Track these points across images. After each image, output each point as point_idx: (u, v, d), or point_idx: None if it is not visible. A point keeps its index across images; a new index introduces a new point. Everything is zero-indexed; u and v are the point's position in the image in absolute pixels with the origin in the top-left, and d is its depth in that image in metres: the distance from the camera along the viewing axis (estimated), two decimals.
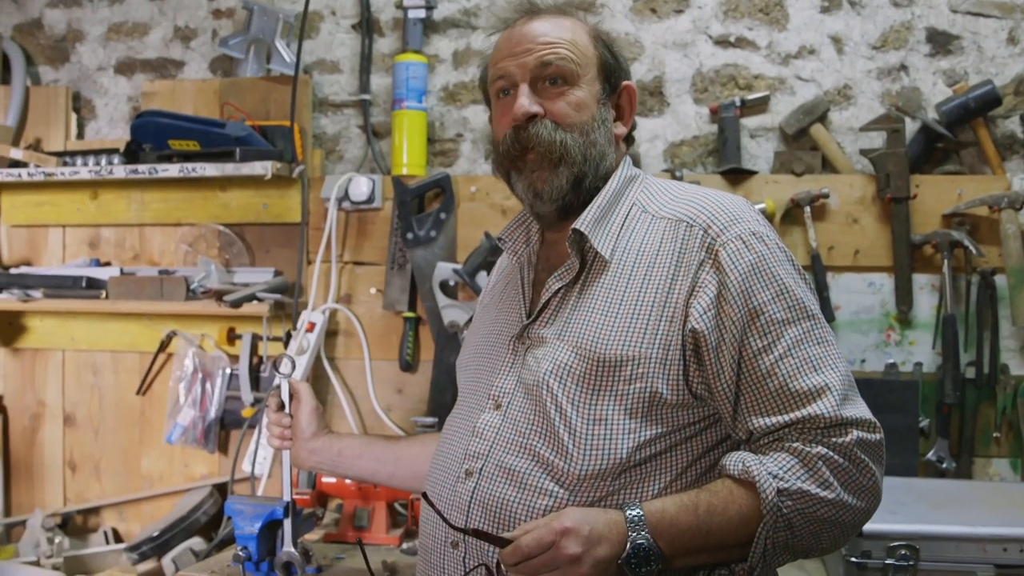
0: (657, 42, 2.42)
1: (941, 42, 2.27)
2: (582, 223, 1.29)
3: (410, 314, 2.43)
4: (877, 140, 2.27)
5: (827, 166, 2.30)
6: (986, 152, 2.21)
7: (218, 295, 2.36)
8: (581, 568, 1.13)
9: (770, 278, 1.21)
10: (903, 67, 2.29)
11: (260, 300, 2.37)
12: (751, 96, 2.34)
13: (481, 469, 1.29)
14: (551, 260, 1.37)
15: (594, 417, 1.23)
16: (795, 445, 1.17)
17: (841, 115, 2.32)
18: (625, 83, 1.38)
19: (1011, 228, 2.12)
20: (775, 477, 1.15)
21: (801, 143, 2.33)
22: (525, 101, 1.30)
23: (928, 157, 2.25)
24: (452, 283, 2.38)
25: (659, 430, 1.23)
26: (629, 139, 1.42)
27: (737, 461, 1.18)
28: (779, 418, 1.18)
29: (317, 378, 2.47)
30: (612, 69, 1.36)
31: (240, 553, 1.74)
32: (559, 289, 1.31)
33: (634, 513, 1.17)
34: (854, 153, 2.30)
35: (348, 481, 2.13)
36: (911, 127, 2.25)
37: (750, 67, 2.37)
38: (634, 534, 1.16)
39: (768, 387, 1.19)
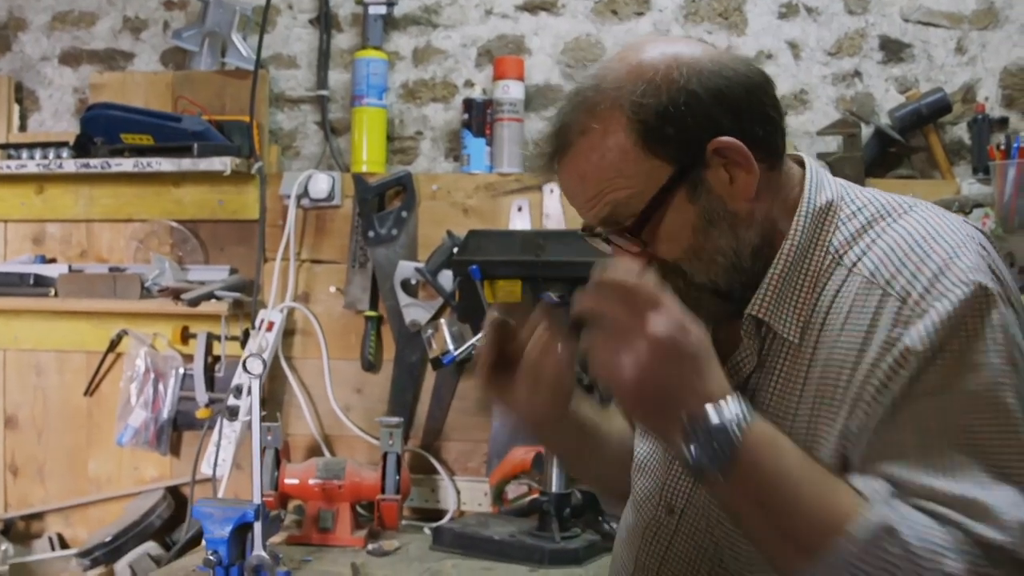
0: (618, 43, 2.44)
1: (893, 50, 2.34)
2: (758, 306, 1.03)
3: (372, 313, 2.41)
4: (832, 144, 2.33)
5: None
6: (936, 157, 2.29)
7: (175, 293, 2.31)
8: (636, 373, 0.89)
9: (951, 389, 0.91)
10: (857, 73, 2.36)
11: (219, 298, 2.32)
12: None
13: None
14: (718, 335, 1.02)
15: None
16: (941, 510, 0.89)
17: (798, 119, 2.37)
18: (714, 144, 1.00)
19: None
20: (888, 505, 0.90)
21: None
22: (621, 264, 0.99)
23: (881, 162, 2.32)
24: (414, 282, 2.36)
25: None
26: (772, 164, 1.04)
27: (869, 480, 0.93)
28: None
29: (274, 378, 2.43)
30: (680, 147, 1.00)
31: (211, 557, 1.71)
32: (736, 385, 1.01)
33: (743, 405, 0.90)
34: (810, 156, 2.35)
35: (311, 482, 2.11)
36: (865, 132, 2.31)
37: None
38: (727, 409, 0.90)
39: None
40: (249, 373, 1.79)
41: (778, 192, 1.05)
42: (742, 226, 1.02)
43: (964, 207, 2.21)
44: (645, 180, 1.01)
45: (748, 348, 1.05)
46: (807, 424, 1.00)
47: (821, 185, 1.06)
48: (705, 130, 1.00)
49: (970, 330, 0.93)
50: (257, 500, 1.76)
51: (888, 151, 2.31)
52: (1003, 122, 2.27)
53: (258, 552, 1.75)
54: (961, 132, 2.31)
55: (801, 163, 1.11)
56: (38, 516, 2.59)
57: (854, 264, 1.01)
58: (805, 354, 1.01)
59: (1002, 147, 2.19)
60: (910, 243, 0.99)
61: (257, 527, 1.75)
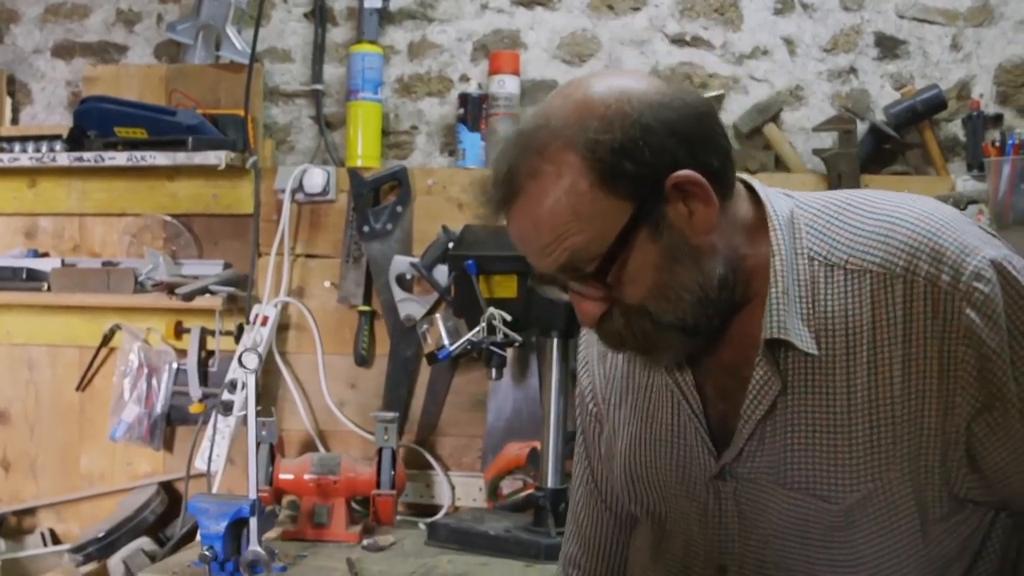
0: (614, 39, 2.44)
1: (889, 46, 2.35)
2: (774, 328, 0.97)
3: (365, 308, 2.41)
4: (827, 140, 2.33)
5: (779, 165, 2.35)
6: (931, 154, 2.29)
7: (169, 288, 2.30)
8: None
9: None
10: (852, 69, 2.36)
11: (213, 293, 2.31)
12: (706, 94, 2.37)
13: None
14: (723, 358, 1.05)
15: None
16: None
17: (793, 115, 2.38)
18: (673, 179, 0.95)
19: None
20: None
21: (755, 141, 2.38)
22: (584, 308, 1.01)
23: (876, 158, 2.32)
24: (409, 277, 2.36)
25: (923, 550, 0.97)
26: (726, 193, 1.00)
27: None
28: None
29: (268, 373, 2.42)
30: (638, 184, 0.95)
31: (206, 553, 1.71)
32: (762, 417, 1.00)
33: None
34: (805, 152, 2.35)
35: (306, 477, 2.11)
36: (860, 128, 2.32)
37: (705, 66, 2.41)
38: None
39: None
40: (245, 368, 1.79)
41: (735, 217, 1.01)
42: (705, 258, 0.98)
43: (959, 203, 2.21)
44: (604, 221, 0.95)
45: (766, 373, 0.99)
46: (869, 437, 0.95)
47: (774, 199, 1.04)
48: (663, 164, 0.95)
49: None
50: (253, 495, 1.76)
51: (883, 147, 2.31)
52: (998, 119, 2.28)
53: (254, 547, 1.75)
54: (956, 129, 2.32)
55: (741, 182, 1.07)
56: (30, 511, 2.57)
57: (847, 261, 0.97)
58: (834, 365, 0.97)
59: (997, 144, 2.20)
60: (905, 227, 0.96)
61: (253, 522, 1.74)
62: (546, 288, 1.05)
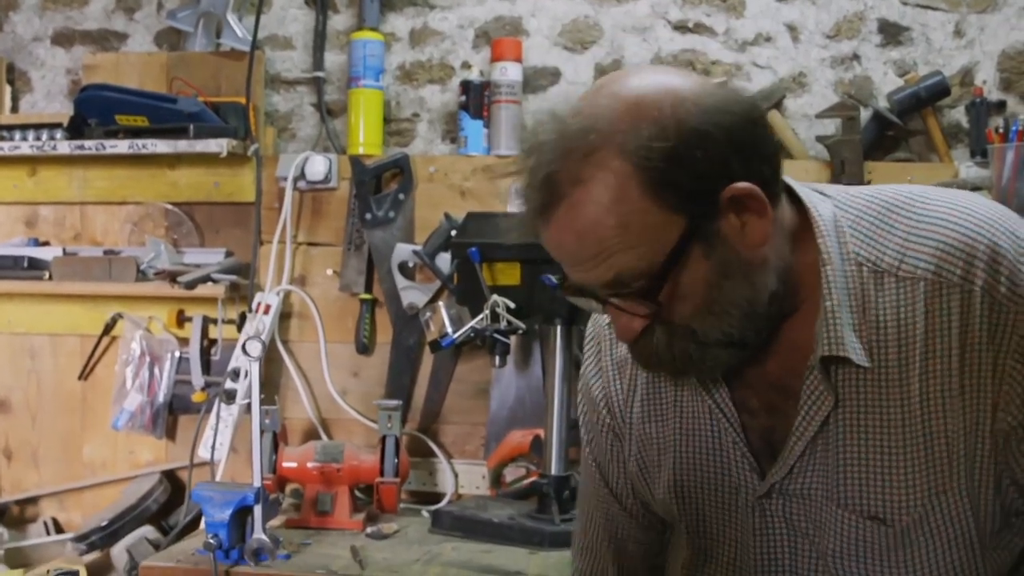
0: (616, 26, 2.43)
1: (892, 33, 2.34)
2: (830, 345, 0.93)
3: (367, 296, 2.40)
4: (830, 127, 2.32)
5: (782, 152, 2.35)
6: (934, 140, 2.29)
7: (171, 276, 2.30)
8: None
9: None
10: (855, 56, 2.35)
11: (215, 281, 2.31)
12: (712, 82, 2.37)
13: None
14: (770, 370, 1.00)
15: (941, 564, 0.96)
16: None
17: (796, 102, 2.37)
18: (729, 191, 0.90)
19: None
20: None
21: None
22: (624, 324, 0.96)
23: (879, 144, 2.32)
24: (411, 264, 2.35)
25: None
26: (776, 202, 0.94)
27: None
28: None
29: (270, 361, 2.42)
30: (693, 197, 0.89)
31: (211, 541, 1.71)
32: (813, 435, 0.97)
33: None
34: (808, 139, 2.35)
35: (309, 465, 2.11)
36: (863, 115, 2.31)
37: (708, 53, 2.40)
38: None
39: None
40: (248, 356, 1.79)
41: (780, 224, 0.95)
42: (757, 272, 0.93)
43: (962, 189, 2.21)
44: (655, 236, 0.89)
45: (819, 387, 0.95)
46: (925, 454, 0.92)
47: (816, 202, 0.98)
48: (718, 175, 0.89)
49: None
50: (257, 483, 1.76)
51: (886, 134, 2.31)
52: (1001, 105, 2.27)
53: (258, 535, 1.75)
54: (959, 115, 2.31)
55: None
56: (33, 500, 2.57)
57: (899, 268, 0.92)
58: (887, 377, 0.93)
59: (1000, 130, 2.19)
60: (959, 230, 0.91)
61: (257, 510, 1.75)
62: (579, 300, 0.99)
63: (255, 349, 1.78)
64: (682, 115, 0.88)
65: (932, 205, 0.95)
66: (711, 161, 0.88)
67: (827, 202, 0.98)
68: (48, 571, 2.16)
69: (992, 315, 0.88)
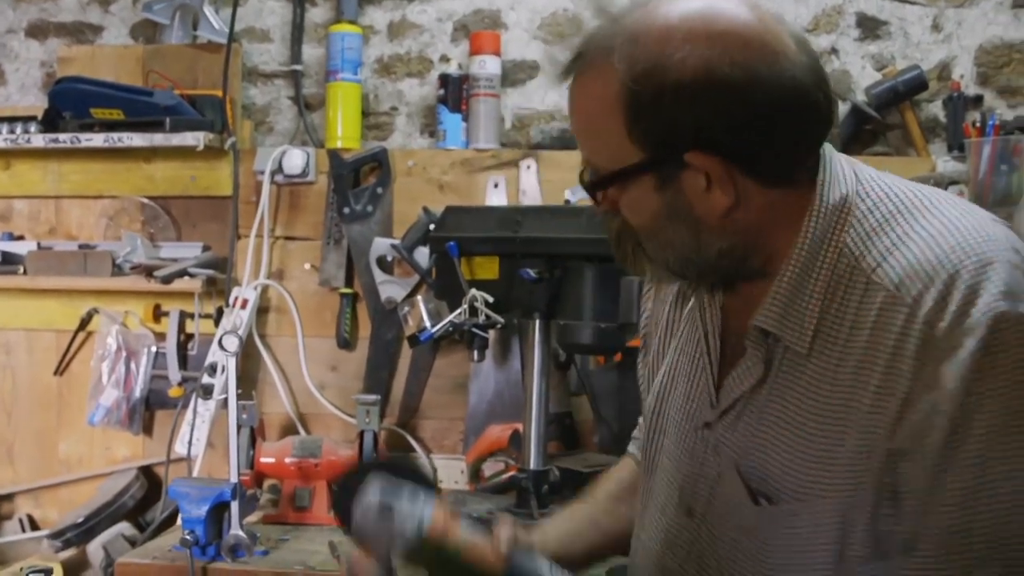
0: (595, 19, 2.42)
1: (870, 27, 2.35)
2: (765, 317, 0.96)
3: (347, 290, 2.39)
4: None
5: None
6: (912, 135, 2.29)
7: (147, 271, 2.28)
8: None
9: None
10: (834, 50, 2.36)
11: (192, 276, 2.29)
12: None
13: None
14: (733, 323, 1.03)
15: (774, 565, 0.96)
16: None
17: None
18: (689, 156, 0.90)
19: None
20: None
21: None
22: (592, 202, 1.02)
23: (857, 138, 2.33)
24: (389, 259, 2.35)
25: None
26: (782, 182, 0.94)
27: None
28: None
29: (248, 356, 2.41)
30: (658, 141, 0.91)
31: (187, 537, 1.71)
32: (742, 394, 1.00)
33: None
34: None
35: (287, 460, 2.10)
36: (841, 109, 2.32)
37: None
38: None
39: None
40: (225, 351, 1.78)
41: (782, 198, 0.94)
42: (706, 233, 0.94)
43: (939, 184, 2.22)
44: (613, 151, 0.94)
45: (753, 358, 0.98)
46: (829, 453, 0.92)
47: (835, 180, 0.96)
48: (692, 136, 0.90)
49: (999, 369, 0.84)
50: (234, 479, 1.75)
51: (864, 128, 2.32)
52: (978, 100, 2.29)
53: (235, 531, 1.74)
54: (937, 110, 2.32)
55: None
56: (7, 497, 2.55)
57: (873, 270, 0.90)
58: (820, 367, 0.93)
59: (977, 124, 2.20)
60: (937, 252, 0.88)
61: (234, 506, 1.74)
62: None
63: (232, 344, 1.77)
64: (694, 68, 0.88)
65: (934, 216, 0.92)
66: (692, 118, 0.89)
67: (848, 185, 0.96)
68: (21, 569, 2.14)
69: (920, 348, 0.86)
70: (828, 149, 0.99)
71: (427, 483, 1.06)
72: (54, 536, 2.28)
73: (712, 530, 1.03)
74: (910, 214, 0.93)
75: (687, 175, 0.92)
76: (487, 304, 1.99)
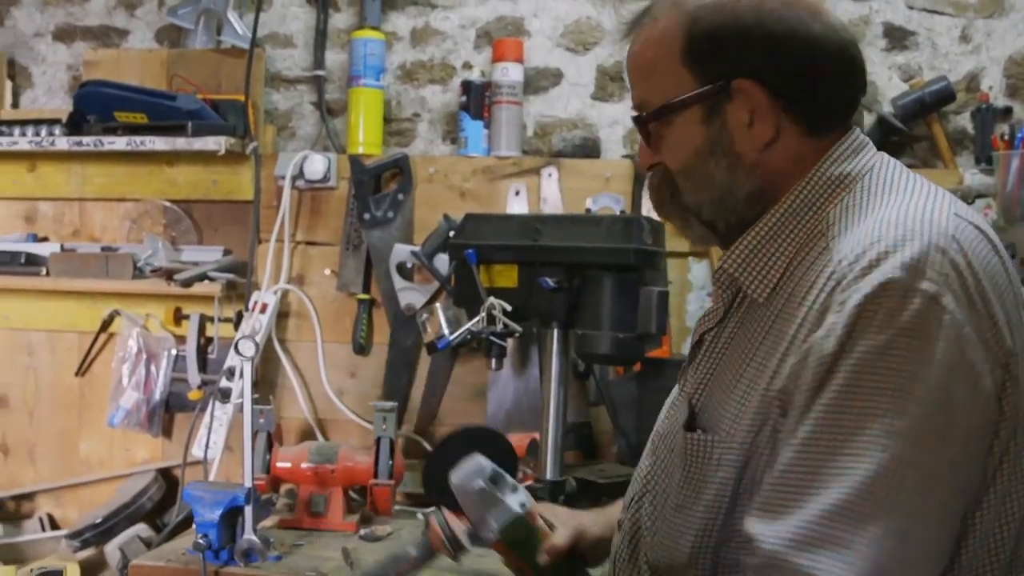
0: (617, 26, 2.41)
1: (897, 37, 2.32)
2: (730, 260, 1.05)
3: (364, 296, 2.39)
4: None
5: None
6: (939, 147, 2.26)
7: (168, 274, 2.29)
8: None
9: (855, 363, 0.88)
10: None
11: (212, 280, 2.30)
12: None
13: (622, 523, 1.17)
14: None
15: (677, 502, 1.04)
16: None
17: None
18: (738, 83, 1.00)
19: None
20: None
21: None
22: (641, 152, 1.12)
23: (883, 150, 2.28)
24: (409, 265, 2.34)
25: (728, 534, 0.99)
26: (816, 131, 1.03)
27: None
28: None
29: (267, 361, 2.41)
30: (713, 70, 1.02)
31: (200, 541, 1.70)
32: (705, 334, 1.09)
33: None
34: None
35: (303, 465, 2.09)
36: (867, 120, 2.29)
37: None
38: None
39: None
40: (241, 355, 1.78)
41: (807, 156, 1.03)
42: (741, 169, 1.03)
43: (967, 197, 2.19)
44: (669, 83, 1.04)
45: (717, 299, 1.09)
46: (746, 382, 0.99)
47: (847, 158, 1.04)
48: (742, 67, 1.01)
49: (875, 329, 0.88)
50: (248, 483, 1.75)
51: (890, 139, 2.28)
52: (1007, 112, 2.25)
53: (248, 536, 1.74)
54: (964, 121, 2.29)
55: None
56: (28, 496, 2.57)
57: (832, 238, 0.98)
58: (766, 316, 1.00)
59: (1006, 137, 2.17)
60: (880, 228, 0.94)
61: (247, 511, 1.74)
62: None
63: (248, 349, 1.77)
64: (751, 8, 1.01)
65: (899, 199, 0.98)
66: (745, 50, 1.01)
67: (860, 164, 1.04)
68: (31, 570, 2.15)
69: (824, 302, 0.92)
70: (861, 138, 1.08)
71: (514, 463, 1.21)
72: (72, 536, 2.29)
73: (664, 465, 1.11)
74: (885, 196, 1.00)
75: (732, 107, 1.02)
76: (505, 312, 1.99)
